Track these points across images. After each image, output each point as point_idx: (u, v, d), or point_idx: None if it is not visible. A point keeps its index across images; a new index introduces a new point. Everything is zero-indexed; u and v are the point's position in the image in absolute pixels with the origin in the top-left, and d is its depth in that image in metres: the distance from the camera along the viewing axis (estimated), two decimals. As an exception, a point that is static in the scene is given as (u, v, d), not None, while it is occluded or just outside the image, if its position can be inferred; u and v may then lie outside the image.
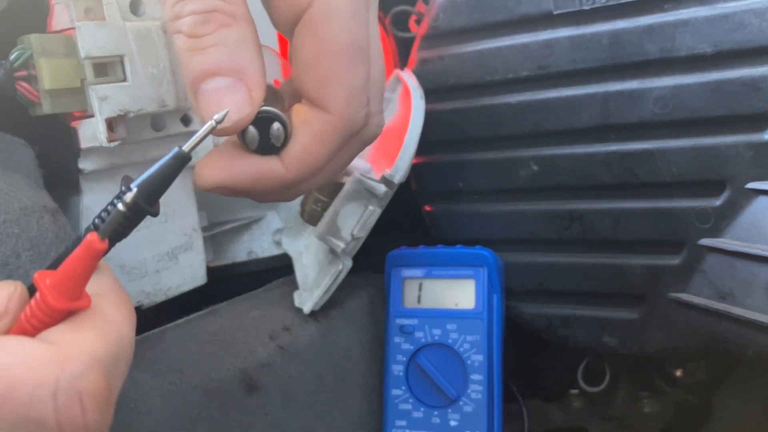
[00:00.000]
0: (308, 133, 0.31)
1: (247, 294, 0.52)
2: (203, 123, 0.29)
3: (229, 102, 0.29)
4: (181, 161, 0.26)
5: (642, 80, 0.45)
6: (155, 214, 0.26)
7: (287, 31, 0.32)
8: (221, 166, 0.31)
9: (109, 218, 0.25)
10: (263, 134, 0.31)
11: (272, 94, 0.32)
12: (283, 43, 0.54)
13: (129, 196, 0.25)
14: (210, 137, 0.30)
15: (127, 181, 0.26)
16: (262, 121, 0.30)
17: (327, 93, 0.30)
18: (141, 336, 0.43)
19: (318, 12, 0.30)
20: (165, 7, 0.30)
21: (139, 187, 0.25)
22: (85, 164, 0.41)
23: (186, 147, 0.27)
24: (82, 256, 0.24)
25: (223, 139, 0.33)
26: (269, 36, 0.50)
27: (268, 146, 0.31)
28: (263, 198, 0.34)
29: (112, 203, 0.25)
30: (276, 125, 0.31)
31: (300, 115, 0.31)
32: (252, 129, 0.30)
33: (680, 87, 0.44)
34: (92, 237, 0.24)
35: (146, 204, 0.25)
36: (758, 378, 0.55)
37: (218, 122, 0.28)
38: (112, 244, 0.25)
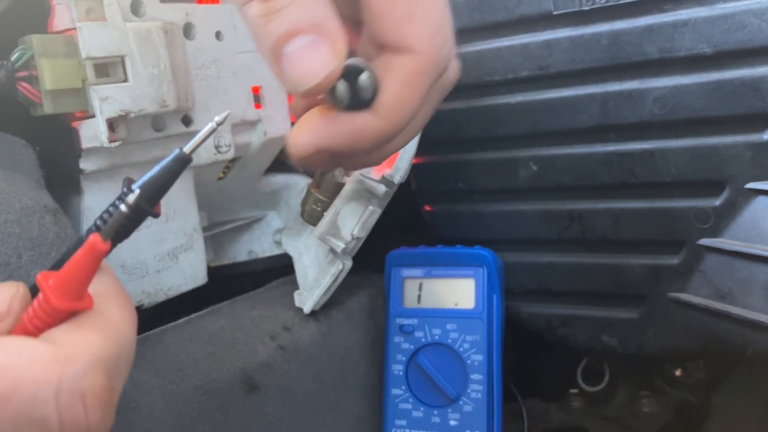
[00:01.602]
0: (398, 79, 0.30)
1: (247, 294, 0.52)
2: (291, 88, 0.29)
3: (316, 59, 0.28)
4: (183, 163, 0.26)
5: (641, 80, 0.45)
6: (157, 215, 0.26)
7: None
8: (316, 129, 0.30)
9: (111, 219, 0.25)
10: (352, 88, 0.29)
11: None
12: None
13: (131, 198, 0.25)
14: (210, 139, 0.29)
15: (128, 183, 0.26)
16: (349, 74, 0.29)
17: (410, 32, 0.29)
18: (141, 336, 0.43)
19: None
20: None
21: (141, 188, 0.25)
22: (86, 164, 0.41)
23: (187, 148, 0.27)
24: (84, 257, 0.24)
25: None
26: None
27: (358, 100, 0.30)
28: (358, 160, 0.33)
29: (114, 204, 0.25)
30: (364, 76, 0.29)
31: (385, 63, 0.30)
32: (341, 84, 0.29)
33: (680, 87, 0.44)
34: (95, 238, 0.24)
35: (148, 205, 0.25)
36: (757, 377, 0.56)
37: (219, 123, 0.28)
38: (114, 245, 0.25)
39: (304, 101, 0.32)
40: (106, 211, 0.26)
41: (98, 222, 0.26)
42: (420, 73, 0.30)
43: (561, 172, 0.49)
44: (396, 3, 0.29)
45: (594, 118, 0.47)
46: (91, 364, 0.23)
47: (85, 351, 0.23)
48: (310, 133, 0.30)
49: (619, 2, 0.45)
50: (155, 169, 0.26)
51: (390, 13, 0.29)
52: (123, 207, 0.25)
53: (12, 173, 0.38)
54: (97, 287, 0.25)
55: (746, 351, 0.44)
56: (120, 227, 0.25)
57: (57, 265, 0.25)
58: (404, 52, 0.30)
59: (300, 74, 0.28)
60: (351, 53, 0.30)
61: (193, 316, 0.47)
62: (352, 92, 0.29)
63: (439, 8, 0.30)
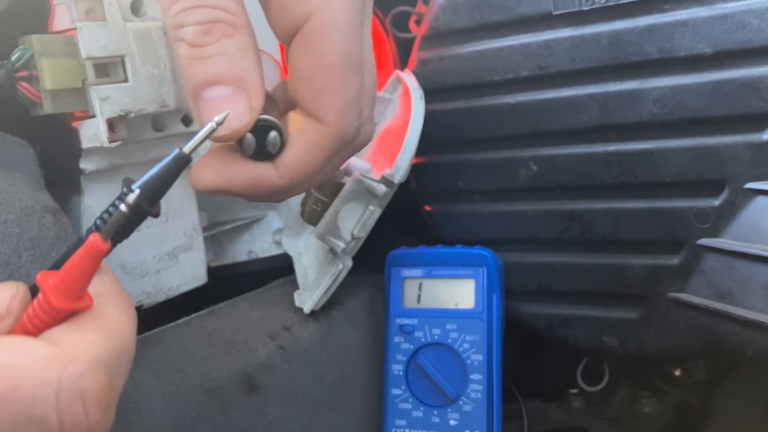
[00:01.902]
0: (303, 142, 0.32)
1: (247, 294, 0.52)
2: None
3: (231, 110, 0.29)
4: (182, 162, 0.26)
5: (641, 80, 0.45)
6: (156, 214, 0.26)
7: (286, 41, 0.32)
8: (217, 169, 0.32)
9: (111, 219, 0.25)
10: (259, 141, 0.31)
11: (270, 100, 0.33)
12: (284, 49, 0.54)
13: (131, 198, 0.25)
14: (251, 139, 0.30)
15: (128, 183, 0.26)
16: (259, 128, 0.31)
17: (322, 105, 0.31)
18: (141, 336, 0.43)
19: (315, 26, 0.30)
20: (168, 15, 0.30)
21: (141, 188, 0.25)
22: (86, 164, 0.41)
23: (186, 149, 0.27)
24: (84, 256, 0.24)
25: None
26: (271, 42, 0.50)
27: (263, 153, 0.32)
28: (254, 200, 0.35)
29: (113, 204, 0.25)
30: (273, 133, 0.31)
31: (295, 124, 0.32)
32: (249, 136, 0.31)
33: (679, 87, 0.44)
34: (95, 238, 0.24)
35: (147, 205, 0.26)
36: (757, 378, 0.56)
37: (219, 123, 0.29)
38: (113, 245, 0.25)
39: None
40: (106, 211, 0.26)
41: (98, 222, 0.26)
42: (324, 142, 0.32)
43: (561, 172, 0.49)
44: (317, 75, 0.31)
45: (594, 118, 0.47)
46: (91, 363, 0.23)
47: (85, 351, 0.23)
48: (211, 172, 0.32)
49: (618, 2, 0.45)
50: (155, 169, 0.26)
51: (310, 82, 0.31)
52: (123, 207, 0.25)
53: (12, 173, 0.38)
54: (97, 287, 0.25)
55: (746, 351, 0.44)
56: (120, 227, 0.25)
57: (57, 265, 0.25)
58: (317, 117, 0.32)
59: (211, 120, 0.29)
60: (270, 102, 0.32)
61: (193, 316, 0.47)
62: (258, 145, 0.31)
63: (355, 86, 0.32)
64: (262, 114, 0.31)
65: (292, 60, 0.32)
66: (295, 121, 0.32)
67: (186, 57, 0.30)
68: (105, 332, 0.25)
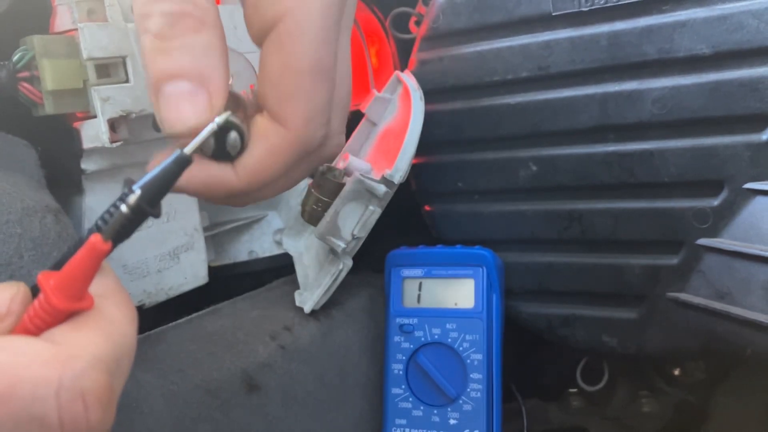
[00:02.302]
0: (264, 146, 0.31)
1: (247, 293, 0.53)
2: (161, 124, 0.29)
3: (189, 107, 0.29)
4: (183, 163, 0.26)
5: (641, 81, 0.45)
6: (157, 215, 0.26)
7: (259, 41, 0.32)
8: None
9: (112, 220, 0.25)
10: (219, 141, 0.31)
11: (235, 101, 0.32)
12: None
13: (132, 198, 0.25)
14: (210, 139, 0.30)
15: (129, 183, 0.26)
16: (220, 128, 0.30)
17: (287, 109, 0.31)
18: (142, 335, 0.43)
19: (287, 29, 0.30)
20: (135, 4, 0.29)
21: (142, 189, 0.25)
22: (87, 164, 0.41)
23: (187, 150, 0.27)
24: (85, 257, 0.24)
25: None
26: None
27: (223, 153, 0.31)
28: (211, 201, 0.34)
29: (114, 205, 0.26)
30: (233, 134, 0.31)
31: (259, 126, 0.31)
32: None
33: (679, 88, 0.44)
34: (95, 238, 0.24)
35: (148, 206, 0.26)
36: (757, 377, 0.56)
37: (219, 125, 0.29)
38: (114, 246, 0.25)
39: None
40: (107, 211, 0.26)
41: (99, 222, 0.26)
42: (286, 148, 0.31)
43: (561, 172, 0.49)
44: (285, 79, 0.30)
45: (593, 118, 0.47)
46: (91, 363, 0.23)
47: (85, 350, 0.23)
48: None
49: (618, 3, 0.45)
50: (156, 170, 0.26)
51: (277, 86, 0.31)
52: (124, 207, 0.25)
53: (13, 173, 0.38)
54: (97, 287, 0.25)
55: (745, 351, 0.44)
56: (121, 228, 0.25)
57: (58, 265, 0.25)
58: (281, 123, 0.31)
59: (172, 116, 0.29)
60: (234, 103, 0.31)
61: (193, 315, 0.48)
62: (218, 145, 0.30)
63: (322, 94, 0.31)
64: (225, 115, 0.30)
65: (262, 61, 0.31)
66: (258, 123, 0.32)
67: (149, 48, 0.29)
68: (105, 332, 0.25)
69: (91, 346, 0.24)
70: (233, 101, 0.32)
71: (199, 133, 0.29)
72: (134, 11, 0.30)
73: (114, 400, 0.24)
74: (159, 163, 0.26)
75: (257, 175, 0.31)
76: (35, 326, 0.24)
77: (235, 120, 0.31)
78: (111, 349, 0.24)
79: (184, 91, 0.29)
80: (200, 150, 0.31)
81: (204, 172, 0.31)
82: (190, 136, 0.29)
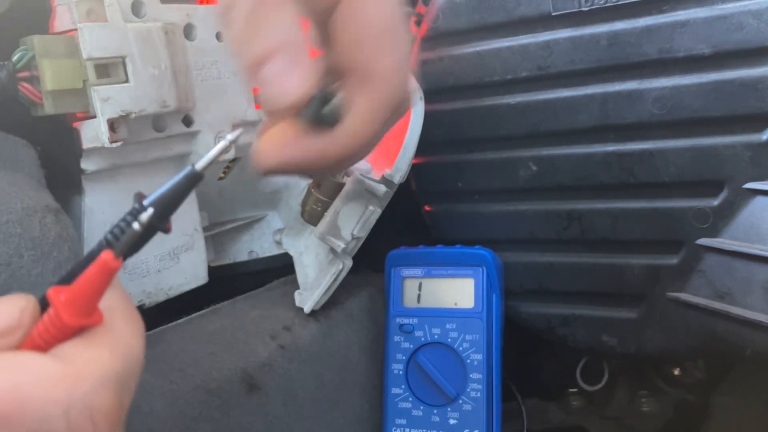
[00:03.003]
0: (366, 103, 0.32)
1: (247, 293, 0.53)
2: (268, 105, 0.30)
3: (293, 79, 0.29)
4: (194, 180, 0.26)
5: (641, 81, 0.45)
6: (167, 231, 0.26)
7: (321, 19, 0.32)
8: (285, 145, 0.32)
9: (124, 237, 0.25)
10: (320, 110, 0.31)
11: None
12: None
13: (144, 216, 0.25)
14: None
15: (140, 198, 0.26)
16: (320, 96, 0.31)
17: (377, 66, 0.32)
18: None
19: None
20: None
21: (154, 206, 0.25)
22: (87, 164, 0.41)
23: (199, 166, 0.27)
24: (97, 273, 0.24)
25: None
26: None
27: (325, 122, 0.31)
28: (319, 172, 0.35)
29: (125, 220, 0.25)
30: (335, 100, 0.31)
31: (351, 90, 0.32)
32: (312, 105, 0.31)
33: (679, 87, 0.44)
34: (107, 255, 0.24)
35: (159, 222, 0.26)
36: (756, 377, 0.56)
37: (232, 141, 0.29)
38: (124, 260, 0.25)
39: (271, 118, 0.34)
40: (117, 226, 0.26)
41: (109, 237, 0.26)
42: (386, 100, 0.32)
43: (561, 172, 0.49)
44: (368, 40, 0.31)
45: (593, 118, 0.47)
46: (100, 381, 0.23)
47: (94, 368, 0.23)
48: (278, 149, 0.32)
49: (618, 3, 0.45)
50: (167, 186, 0.26)
51: (361, 48, 0.32)
52: (136, 225, 0.25)
53: (13, 173, 0.38)
54: (105, 301, 0.25)
55: (745, 351, 0.44)
56: (132, 244, 0.25)
57: (67, 279, 0.25)
58: (373, 79, 0.32)
59: (277, 93, 0.29)
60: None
61: (193, 315, 0.48)
62: (320, 114, 0.31)
63: (406, 44, 0.33)
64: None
65: (338, 30, 0.32)
66: (349, 88, 0.32)
67: (241, 35, 0.30)
68: (114, 349, 0.25)
69: (101, 364, 0.24)
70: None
71: (305, 101, 0.30)
72: (218, 5, 0.30)
73: (122, 417, 0.24)
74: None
75: (365, 133, 0.32)
76: (44, 341, 0.24)
77: (330, 87, 0.31)
78: (120, 367, 0.24)
79: (287, 65, 0.29)
80: (305, 122, 0.31)
81: (314, 144, 0.32)
82: (297, 109, 0.30)
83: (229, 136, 0.29)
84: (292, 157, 0.32)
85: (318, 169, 0.33)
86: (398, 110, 0.34)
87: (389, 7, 0.32)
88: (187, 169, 0.26)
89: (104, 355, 0.24)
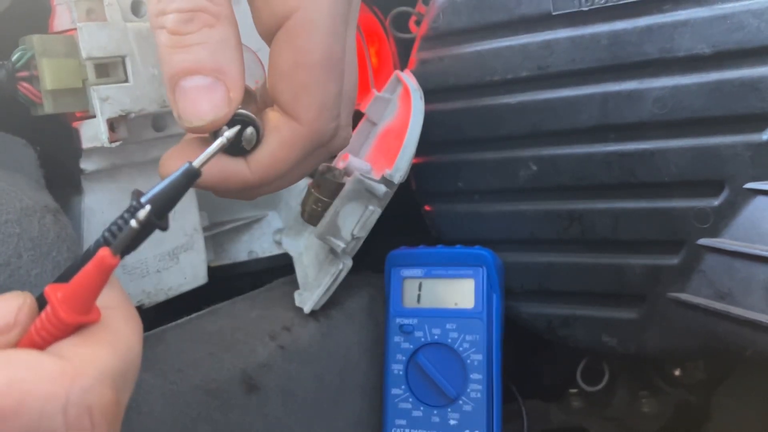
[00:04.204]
0: (277, 140, 0.31)
1: (247, 294, 0.53)
2: (178, 120, 0.30)
3: (207, 101, 0.29)
4: (191, 177, 0.26)
5: (641, 80, 0.45)
6: (165, 228, 0.26)
7: (267, 38, 0.32)
8: (181, 161, 0.31)
9: (121, 234, 0.25)
10: (235, 137, 0.31)
11: (247, 95, 0.33)
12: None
13: (142, 214, 0.25)
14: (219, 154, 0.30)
15: (137, 196, 0.26)
16: (235, 122, 0.30)
17: (299, 103, 0.31)
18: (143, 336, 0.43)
19: (298, 23, 0.30)
20: (149, 2, 0.30)
21: (151, 203, 0.25)
22: (86, 164, 0.41)
23: (196, 163, 0.27)
24: (94, 271, 0.24)
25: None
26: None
27: (237, 148, 0.31)
28: (224, 195, 0.34)
29: (122, 218, 0.25)
30: (249, 129, 0.31)
31: (271, 121, 0.32)
32: (225, 130, 0.30)
33: (679, 87, 0.44)
34: (105, 252, 0.24)
35: (157, 219, 0.26)
36: (757, 378, 0.56)
37: (229, 139, 0.29)
38: (121, 258, 0.25)
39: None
40: (115, 223, 0.26)
41: (106, 234, 0.25)
42: (299, 141, 0.32)
43: (561, 172, 0.49)
44: (297, 73, 0.31)
45: (594, 118, 0.47)
46: (98, 378, 0.23)
47: (92, 365, 0.23)
48: (178, 163, 0.30)
49: (618, 2, 0.45)
50: (164, 183, 0.26)
51: (289, 80, 0.31)
52: (134, 223, 0.25)
53: (12, 173, 0.38)
54: (103, 300, 0.25)
55: (746, 351, 0.44)
56: (130, 241, 0.25)
57: (65, 277, 0.25)
58: (291, 117, 0.31)
59: (189, 111, 0.29)
60: (248, 98, 0.32)
61: (193, 316, 0.48)
62: (233, 140, 0.30)
63: (334, 86, 0.32)
64: (240, 108, 0.30)
65: (272, 56, 0.31)
66: (271, 117, 0.32)
67: (166, 45, 0.29)
68: (112, 346, 0.25)
69: (98, 361, 0.24)
70: (247, 96, 0.32)
71: (217, 126, 0.29)
72: (149, 9, 0.30)
73: (120, 414, 0.24)
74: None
75: (271, 168, 0.32)
76: (42, 338, 0.24)
77: (251, 114, 0.31)
78: (118, 364, 0.24)
79: (202, 86, 0.29)
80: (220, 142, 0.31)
81: (219, 167, 0.31)
82: (208, 130, 0.30)
83: (227, 134, 0.29)
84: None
85: (221, 193, 0.33)
86: (320, 151, 0.33)
87: (332, 41, 0.31)
88: (184, 167, 0.26)
89: (102, 353, 0.24)
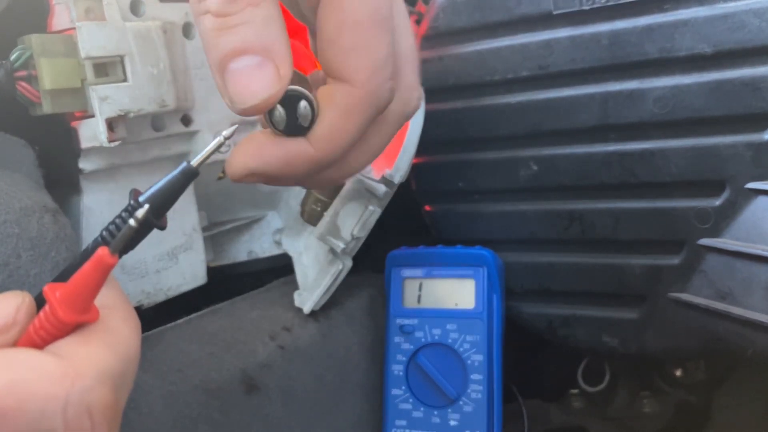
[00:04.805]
0: (334, 108, 0.30)
1: (247, 294, 0.52)
2: (230, 104, 0.29)
3: (258, 80, 0.29)
4: (189, 176, 0.26)
5: (642, 80, 0.45)
6: (163, 227, 0.26)
7: (311, 14, 0.31)
8: (251, 152, 0.31)
9: (119, 233, 0.25)
10: (290, 115, 0.30)
11: (298, 80, 0.32)
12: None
13: (140, 213, 0.25)
14: (281, 112, 0.29)
15: (135, 195, 0.26)
16: (289, 100, 0.30)
17: (349, 65, 0.30)
18: (141, 336, 0.43)
19: None
20: None
21: (149, 202, 0.25)
22: (85, 164, 0.41)
23: (194, 162, 0.27)
24: (92, 270, 0.24)
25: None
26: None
27: (295, 127, 0.30)
28: (298, 182, 0.33)
29: (120, 217, 0.25)
30: (303, 104, 0.30)
31: (324, 92, 0.31)
32: (279, 109, 0.30)
33: (680, 87, 0.44)
34: (103, 251, 0.24)
35: (155, 218, 0.25)
36: (758, 378, 0.56)
37: (227, 138, 0.28)
38: (120, 257, 0.25)
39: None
40: (113, 223, 0.25)
41: (104, 234, 0.25)
42: (356, 105, 0.30)
43: (561, 172, 0.49)
44: (344, 34, 0.30)
45: (594, 117, 0.47)
46: (98, 378, 0.23)
47: (92, 365, 0.23)
48: (245, 156, 0.30)
49: (619, 2, 0.45)
50: (162, 182, 0.26)
51: (337, 43, 0.30)
52: (132, 222, 0.25)
53: (11, 173, 0.38)
54: (102, 299, 0.25)
55: (747, 351, 0.44)
56: (128, 240, 0.25)
57: (63, 276, 0.25)
58: (344, 82, 0.30)
59: (240, 93, 0.29)
60: (299, 79, 0.31)
61: (192, 316, 0.47)
62: (289, 118, 0.30)
63: (384, 44, 0.31)
64: (292, 86, 0.30)
65: (319, 26, 0.31)
66: (324, 90, 0.31)
67: (211, 29, 0.29)
68: (111, 346, 0.25)
69: (98, 361, 0.24)
70: (297, 78, 0.31)
71: (270, 105, 0.29)
72: None
73: (119, 414, 0.24)
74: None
75: (334, 140, 0.30)
76: (40, 338, 0.24)
77: (303, 89, 0.30)
78: (117, 363, 0.24)
79: (251, 65, 0.28)
80: (273, 126, 0.30)
81: (282, 150, 0.30)
82: (261, 110, 0.29)
83: (225, 132, 0.28)
84: (259, 164, 0.30)
85: (287, 178, 0.32)
86: (388, 119, 0.32)
87: (375, 1, 0.30)
88: (182, 166, 0.26)
89: (101, 352, 0.24)
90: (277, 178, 0.31)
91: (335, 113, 0.30)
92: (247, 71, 0.28)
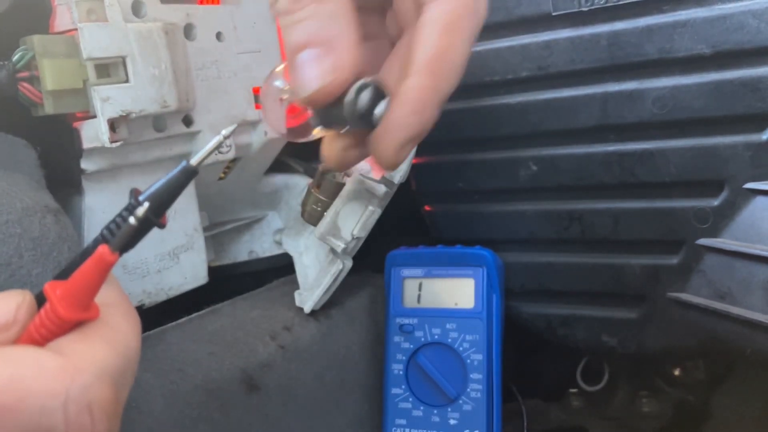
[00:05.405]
0: (437, 26, 0.31)
1: (247, 293, 0.53)
2: (296, 94, 0.31)
3: (314, 70, 0.30)
4: (189, 175, 0.26)
5: (641, 81, 0.45)
6: (163, 226, 0.26)
7: None
8: (407, 121, 0.32)
9: (120, 232, 0.25)
10: (355, 105, 0.31)
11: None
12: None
13: (140, 211, 0.25)
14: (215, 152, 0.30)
15: (135, 194, 0.26)
16: (358, 89, 0.31)
17: None
18: (142, 335, 0.43)
19: None
20: None
21: (150, 200, 0.25)
22: (87, 164, 0.41)
23: (194, 161, 0.27)
24: (93, 268, 0.24)
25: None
26: (270, 42, 0.50)
27: (367, 120, 0.31)
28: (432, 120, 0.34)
29: (121, 215, 0.26)
30: (363, 93, 0.31)
31: (421, 18, 0.31)
32: (351, 96, 0.31)
33: (679, 87, 0.44)
34: (103, 249, 0.24)
35: (155, 217, 0.26)
36: (757, 377, 0.56)
37: (226, 137, 0.29)
38: (120, 255, 0.25)
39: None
40: (113, 221, 0.26)
41: (105, 232, 0.26)
42: (461, 16, 0.31)
43: (561, 172, 0.49)
44: None
45: (594, 118, 0.47)
46: (98, 375, 0.23)
47: (92, 362, 0.23)
48: (406, 128, 0.32)
49: (618, 3, 0.45)
50: (162, 181, 0.26)
51: None
52: (132, 220, 0.25)
53: (13, 173, 0.38)
54: (102, 297, 0.25)
55: (745, 351, 0.44)
56: (128, 239, 0.25)
57: (64, 274, 0.25)
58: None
59: (300, 82, 0.30)
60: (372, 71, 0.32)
61: (193, 315, 0.48)
62: (354, 108, 0.31)
63: None
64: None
65: None
66: (420, 20, 0.32)
67: (284, 26, 0.31)
68: (111, 343, 0.25)
69: (98, 358, 0.24)
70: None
71: (327, 95, 0.30)
72: (270, 2, 0.31)
73: (119, 410, 0.24)
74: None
75: (443, 60, 0.32)
76: (41, 336, 0.24)
77: (372, 80, 0.31)
78: (117, 360, 0.25)
79: (313, 57, 0.30)
80: (345, 115, 0.31)
81: (414, 102, 0.32)
82: (319, 99, 0.31)
83: (224, 132, 0.29)
84: (414, 125, 0.32)
85: (430, 121, 0.33)
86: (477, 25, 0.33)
87: None
88: (182, 164, 0.26)
89: (101, 349, 0.24)
90: (428, 128, 0.33)
91: (438, 31, 0.31)
92: (307, 63, 0.30)
